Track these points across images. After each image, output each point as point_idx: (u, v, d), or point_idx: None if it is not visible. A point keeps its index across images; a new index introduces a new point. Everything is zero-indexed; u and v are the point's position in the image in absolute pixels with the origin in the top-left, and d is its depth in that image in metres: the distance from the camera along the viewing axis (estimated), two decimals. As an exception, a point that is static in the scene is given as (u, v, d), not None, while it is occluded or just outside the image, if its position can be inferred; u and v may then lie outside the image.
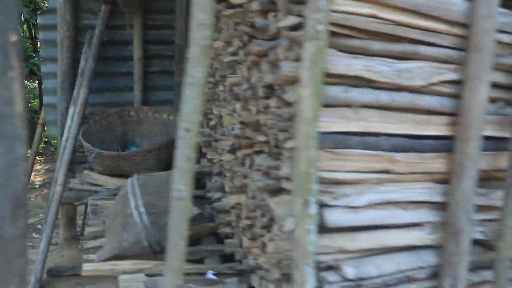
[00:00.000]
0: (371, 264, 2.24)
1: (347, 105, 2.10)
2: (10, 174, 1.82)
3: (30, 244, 5.72)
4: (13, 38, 1.77)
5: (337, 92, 2.07)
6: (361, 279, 2.21)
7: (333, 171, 2.14)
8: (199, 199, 4.37)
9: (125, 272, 3.32)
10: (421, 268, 2.33)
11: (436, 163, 2.26)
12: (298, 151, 2.04)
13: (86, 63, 4.91)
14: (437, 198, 2.30)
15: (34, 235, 5.92)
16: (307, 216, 2.09)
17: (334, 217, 2.16)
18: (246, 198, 3.14)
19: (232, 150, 3.28)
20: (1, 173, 1.83)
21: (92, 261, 3.57)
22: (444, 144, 2.26)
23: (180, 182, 1.96)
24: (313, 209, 2.09)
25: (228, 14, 3.32)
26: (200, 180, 4.84)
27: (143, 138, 5.11)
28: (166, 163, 4.65)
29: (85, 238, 4.23)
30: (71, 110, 4.82)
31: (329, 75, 2.03)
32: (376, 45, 2.09)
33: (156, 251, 3.55)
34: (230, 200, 3.35)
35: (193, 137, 1.93)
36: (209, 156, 4.38)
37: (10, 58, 1.77)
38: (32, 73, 9.09)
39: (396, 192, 2.23)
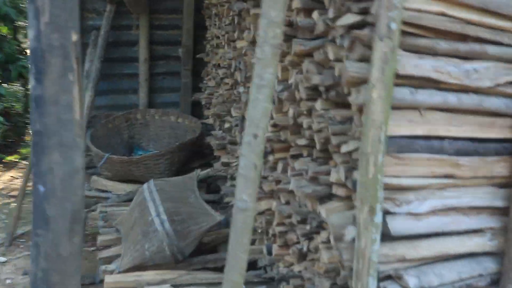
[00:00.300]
0: (432, 272, 2.15)
1: (414, 108, 2.00)
2: (68, 186, 1.68)
3: (27, 253, 5.50)
4: (74, 37, 1.63)
5: (404, 94, 1.97)
6: (423, 289, 2.12)
7: (397, 176, 2.04)
8: (212, 204, 4.24)
9: (149, 284, 3.18)
10: (481, 275, 2.24)
11: (498, 167, 2.18)
12: (366, 156, 1.93)
13: (91, 65, 4.74)
14: (499, 203, 2.22)
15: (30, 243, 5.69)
16: (372, 225, 1.99)
17: (397, 225, 2.06)
18: (278, 203, 3.03)
19: (263, 154, 3.15)
20: (59, 186, 1.68)
21: (111, 271, 3.42)
22: (507, 147, 2.18)
23: (245, 191, 1.84)
24: (379, 218, 1.99)
25: (256, 13, 3.21)
26: (210, 185, 4.72)
27: (150, 141, 4.96)
28: (178, 167, 4.52)
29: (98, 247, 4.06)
30: (76, 113, 4.64)
31: (396, 76, 1.93)
32: (443, 45, 1.99)
33: (178, 260, 3.42)
34: (260, 206, 3.22)
35: (261, 143, 1.81)
36: (224, 160, 4.26)
37: (71, 59, 1.63)
38: (20, 76, 8.81)
39: (458, 197, 2.14)
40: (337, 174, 2.30)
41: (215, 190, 4.64)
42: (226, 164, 4.27)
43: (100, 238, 3.88)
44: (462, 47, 2.02)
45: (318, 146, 2.48)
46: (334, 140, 2.26)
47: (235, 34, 3.76)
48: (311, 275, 2.63)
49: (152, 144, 4.94)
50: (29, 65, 1.61)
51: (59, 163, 1.64)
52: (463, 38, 2.02)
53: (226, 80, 4.11)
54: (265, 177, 3.25)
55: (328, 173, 2.42)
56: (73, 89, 1.64)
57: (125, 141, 4.87)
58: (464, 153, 2.10)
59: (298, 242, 2.95)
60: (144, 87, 5.15)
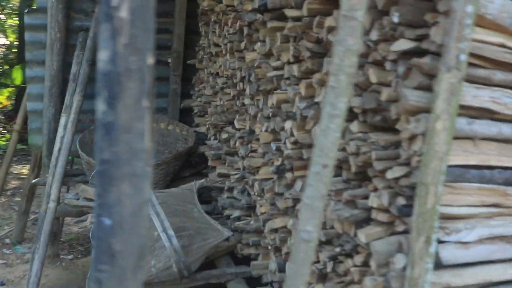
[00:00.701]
0: (476, 301, 2.16)
1: (469, 138, 2.00)
2: (137, 219, 1.57)
3: (3, 261, 5.27)
4: (150, 60, 1.53)
5: (462, 124, 1.95)
6: (467, 317, 2.12)
7: (449, 205, 2.03)
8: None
9: (157, 302, 3.08)
10: (519, 302, 2.26)
11: (542, 196, 2.20)
12: (426, 186, 1.90)
13: (79, 68, 4.56)
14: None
15: (5, 250, 5.45)
16: (427, 255, 1.97)
17: (447, 254, 2.05)
18: (296, 221, 2.98)
19: (280, 171, 3.10)
20: (128, 219, 1.56)
21: (115, 288, 3.28)
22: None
23: (310, 222, 1.78)
24: (434, 248, 1.97)
25: (274, 26, 3.15)
26: (201, 194, 4.61)
27: (138, 148, 4.79)
28: (172, 177, 4.40)
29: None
30: (62, 119, 4.45)
31: (456, 106, 1.91)
32: (499, 75, 1.99)
33: (184, 276, 3.32)
34: (274, 223, 3.17)
35: (329, 173, 1.76)
36: (221, 171, 4.17)
37: (146, 83, 1.53)
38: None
39: (504, 226, 2.15)
40: (378, 199, 2.27)
41: (206, 201, 4.54)
42: (223, 175, 4.19)
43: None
44: (516, 78, 2.02)
45: (353, 169, 2.44)
46: (378, 165, 2.23)
47: (242, 45, 3.67)
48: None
49: (140, 151, 4.78)
50: (98, 89, 1.50)
51: (129, 195, 1.52)
52: (517, 68, 2.03)
53: (227, 90, 4.02)
54: (279, 194, 3.20)
55: (365, 197, 2.39)
56: (146, 115, 1.54)
57: (113, 147, 4.68)
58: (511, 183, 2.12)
59: (317, 262, 2.91)
60: (132, 92, 4.97)
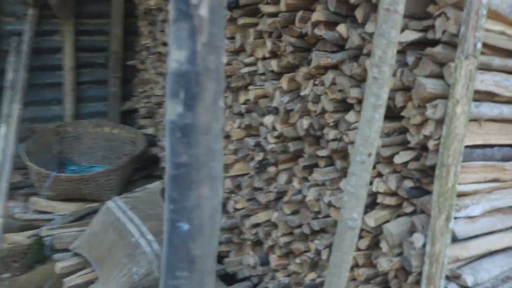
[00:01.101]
0: (482, 269, 2.33)
1: (476, 120, 2.16)
2: (214, 222, 1.56)
3: None
4: (224, 59, 1.52)
5: (471, 107, 2.11)
6: (476, 285, 2.29)
7: (459, 184, 2.18)
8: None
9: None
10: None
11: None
12: (446, 167, 2.04)
13: (17, 74, 4.29)
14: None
15: None
16: (447, 231, 2.11)
17: (459, 229, 2.21)
18: (281, 214, 3.02)
19: (262, 166, 3.13)
20: (207, 222, 1.54)
21: (97, 301, 3.16)
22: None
23: (355, 210, 1.85)
24: (452, 224, 2.12)
25: (246, 22, 3.17)
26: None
27: (82, 155, 4.61)
28: (127, 182, 4.27)
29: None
30: (2, 129, 4.17)
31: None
32: (497, 61, 2.17)
33: (166, 280, 3.25)
34: (258, 217, 3.19)
35: (372, 162, 1.83)
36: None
37: (222, 83, 1.51)
38: None
39: (502, 199, 2.34)
40: (384, 184, 2.38)
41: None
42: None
43: (59, 265, 3.54)
44: (511, 63, 2.21)
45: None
46: (384, 152, 2.33)
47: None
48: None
49: (85, 159, 4.60)
50: (171, 90, 1.45)
51: (208, 198, 1.49)
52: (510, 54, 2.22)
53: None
54: (258, 189, 3.23)
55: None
56: (222, 115, 1.51)
57: (55, 156, 4.47)
58: (508, 159, 2.31)
59: (305, 251, 2.98)
60: (70, 97, 4.76)
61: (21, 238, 4.34)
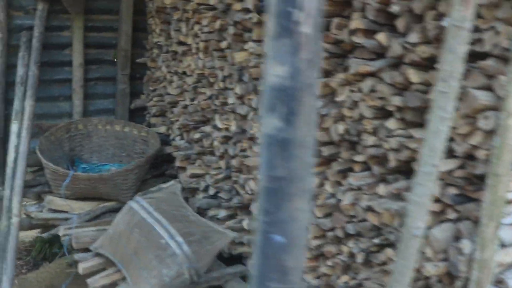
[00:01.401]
0: (520, 274, 2.43)
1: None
2: (306, 234, 1.60)
3: None
4: (319, 74, 1.55)
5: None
6: (516, 290, 2.38)
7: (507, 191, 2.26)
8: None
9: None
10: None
11: None
12: (498, 177, 2.11)
13: (27, 70, 4.23)
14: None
15: None
16: (497, 238, 2.20)
17: (506, 235, 2.29)
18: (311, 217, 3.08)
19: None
20: (301, 235, 1.58)
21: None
22: None
23: (420, 218, 1.91)
24: (501, 231, 2.20)
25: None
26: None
27: (92, 153, 4.58)
28: (142, 182, 4.27)
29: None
30: (14, 126, 4.12)
31: None
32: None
33: (194, 282, 3.29)
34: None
35: (437, 172, 1.89)
36: (194, 171, 4.13)
37: (316, 98, 1.54)
38: None
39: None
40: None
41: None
42: (196, 176, 4.16)
43: (82, 266, 3.53)
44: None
45: (393, 164, 2.59)
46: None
47: (223, 44, 3.66)
48: (376, 286, 2.75)
49: (95, 156, 4.57)
50: (268, 104, 1.47)
51: (302, 210, 1.54)
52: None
53: (202, 90, 3.98)
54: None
55: (407, 189, 2.55)
56: (315, 129, 1.55)
57: (66, 154, 4.43)
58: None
59: (337, 254, 3.04)
60: (79, 94, 4.72)
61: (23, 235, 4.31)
